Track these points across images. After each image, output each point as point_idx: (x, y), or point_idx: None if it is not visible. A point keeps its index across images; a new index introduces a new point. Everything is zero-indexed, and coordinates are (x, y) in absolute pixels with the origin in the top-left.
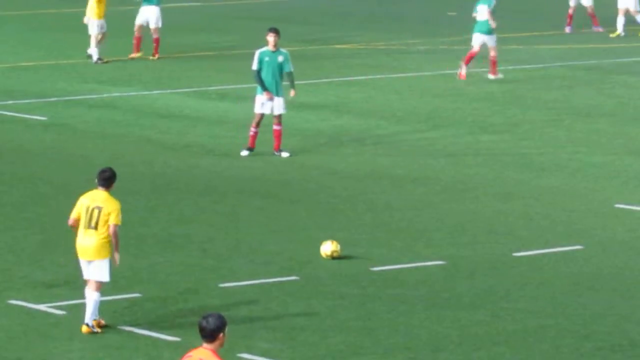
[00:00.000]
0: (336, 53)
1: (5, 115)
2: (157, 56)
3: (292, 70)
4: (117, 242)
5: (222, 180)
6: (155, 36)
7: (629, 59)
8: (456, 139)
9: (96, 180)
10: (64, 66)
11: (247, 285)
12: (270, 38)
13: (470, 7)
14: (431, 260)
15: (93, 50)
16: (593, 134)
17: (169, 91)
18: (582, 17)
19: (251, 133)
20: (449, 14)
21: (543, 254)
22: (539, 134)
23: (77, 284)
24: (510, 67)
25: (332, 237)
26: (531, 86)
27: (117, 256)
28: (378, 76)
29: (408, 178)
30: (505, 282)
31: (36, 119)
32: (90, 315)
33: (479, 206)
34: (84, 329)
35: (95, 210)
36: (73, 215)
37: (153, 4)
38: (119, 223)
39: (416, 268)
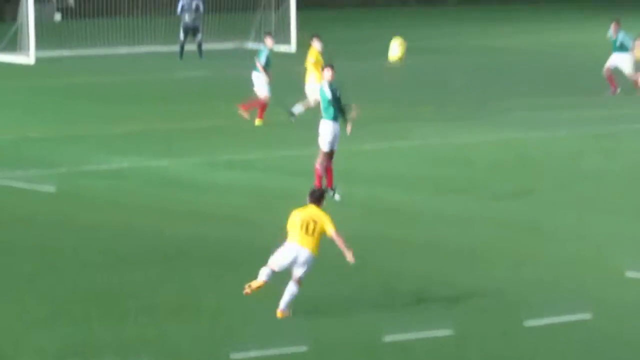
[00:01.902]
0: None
1: (15, 186)
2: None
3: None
4: (342, 242)
5: (233, 249)
6: (261, 100)
7: (638, 125)
8: (466, 206)
9: (308, 199)
10: (74, 136)
11: (258, 356)
12: (328, 73)
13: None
14: (441, 328)
15: (298, 107)
16: (603, 200)
17: (178, 160)
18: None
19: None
20: (458, 81)
21: (553, 323)
22: (549, 200)
23: (87, 354)
24: (521, 134)
25: (340, 305)
26: (541, 152)
27: (349, 254)
28: (386, 144)
29: (417, 244)
30: (516, 351)
31: (46, 189)
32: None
33: (488, 273)
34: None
35: (311, 223)
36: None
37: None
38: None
39: (426, 338)
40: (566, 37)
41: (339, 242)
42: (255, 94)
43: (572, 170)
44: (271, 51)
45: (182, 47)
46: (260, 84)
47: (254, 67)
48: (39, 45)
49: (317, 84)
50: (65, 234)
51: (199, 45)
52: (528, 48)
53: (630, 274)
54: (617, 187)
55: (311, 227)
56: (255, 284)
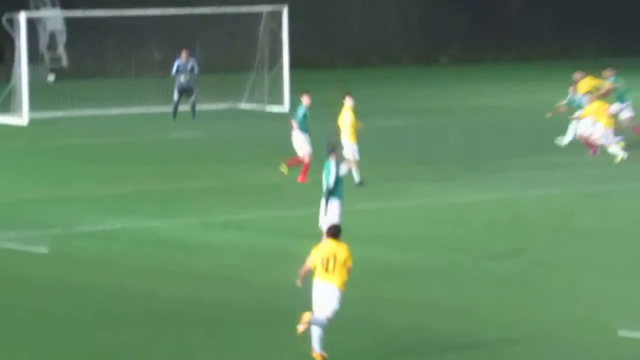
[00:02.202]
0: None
1: (8, 247)
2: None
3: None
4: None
5: (227, 310)
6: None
7: (635, 183)
8: (461, 265)
9: (326, 235)
10: (67, 197)
11: None
12: (333, 155)
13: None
14: None
15: (356, 175)
16: (596, 259)
17: (172, 220)
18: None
19: None
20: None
21: None
22: (543, 259)
23: None
24: (515, 193)
25: None
26: (535, 211)
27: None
28: (382, 204)
29: (413, 303)
30: None
31: (39, 251)
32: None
33: (481, 333)
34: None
35: (331, 259)
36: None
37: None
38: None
39: None
40: (558, 96)
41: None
42: (297, 154)
43: (565, 229)
44: (308, 109)
45: (175, 108)
46: (300, 143)
47: (301, 128)
48: (33, 106)
49: (351, 142)
50: (58, 295)
51: (193, 106)
52: (521, 107)
53: (623, 333)
54: (610, 247)
55: (332, 263)
56: (305, 317)
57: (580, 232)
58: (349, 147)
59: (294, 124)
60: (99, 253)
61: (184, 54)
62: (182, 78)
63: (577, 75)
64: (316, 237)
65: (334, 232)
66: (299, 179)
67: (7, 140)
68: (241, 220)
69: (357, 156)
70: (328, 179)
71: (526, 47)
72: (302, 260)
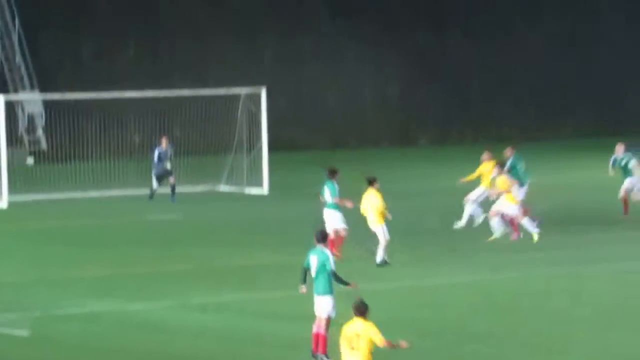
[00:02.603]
0: None
1: None
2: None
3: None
4: (391, 343)
5: None
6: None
7: (604, 264)
8: (439, 348)
9: (353, 313)
10: (47, 280)
11: None
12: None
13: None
14: None
15: (380, 255)
16: (571, 342)
17: (150, 303)
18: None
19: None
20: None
21: None
22: (517, 342)
23: None
24: (488, 275)
25: None
26: (508, 293)
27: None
28: (365, 285)
29: None
30: None
31: (19, 334)
32: None
33: None
34: None
35: (355, 338)
36: None
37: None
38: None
39: None
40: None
41: (390, 346)
42: (335, 231)
43: (539, 311)
44: (335, 184)
45: (153, 192)
46: (333, 219)
47: (328, 205)
48: (12, 189)
49: (378, 225)
50: None
51: (173, 188)
52: None
53: None
54: (584, 329)
55: (355, 342)
56: None
57: (554, 314)
58: (379, 229)
59: (322, 199)
60: (78, 336)
61: (164, 141)
62: (163, 165)
63: (485, 155)
64: (294, 319)
65: (361, 310)
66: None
67: None
68: (219, 302)
69: (387, 236)
70: (326, 267)
71: (504, 127)
72: (279, 343)
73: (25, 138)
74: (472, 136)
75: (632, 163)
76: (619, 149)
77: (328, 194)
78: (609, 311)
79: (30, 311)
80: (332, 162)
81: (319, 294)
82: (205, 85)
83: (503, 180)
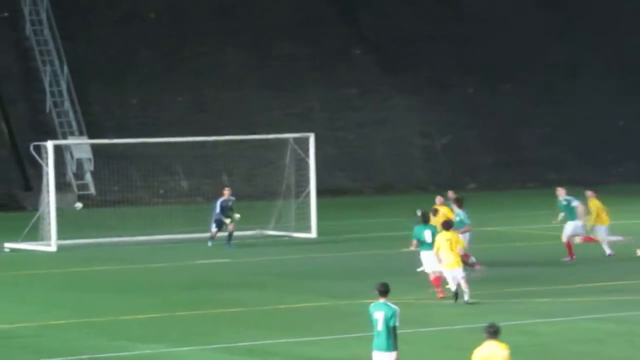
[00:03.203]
0: (365, 307)
1: None
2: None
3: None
4: None
5: None
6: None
7: None
8: None
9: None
10: (94, 324)
11: None
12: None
13: None
14: None
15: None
16: None
17: (198, 347)
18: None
19: None
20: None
21: None
22: None
23: None
24: (540, 320)
25: None
26: (560, 340)
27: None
28: (408, 330)
29: None
30: None
31: None
32: None
33: None
34: None
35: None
36: None
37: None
38: None
39: None
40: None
41: None
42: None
43: (593, 357)
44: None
45: (213, 236)
46: (430, 261)
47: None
48: (60, 233)
49: (455, 268)
50: None
51: (230, 235)
52: (546, 233)
53: None
54: None
55: None
56: None
57: None
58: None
59: (414, 244)
60: None
61: (227, 192)
62: (224, 214)
63: (438, 199)
64: None
65: (492, 331)
66: (438, 295)
67: (35, 268)
68: (266, 346)
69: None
70: (389, 324)
71: (551, 174)
72: None
73: (74, 183)
74: (520, 182)
75: (575, 204)
76: (561, 193)
77: (428, 234)
78: None
79: (77, 356)
80: (380, 207)
81: (381, 350)
82: (253, 132)
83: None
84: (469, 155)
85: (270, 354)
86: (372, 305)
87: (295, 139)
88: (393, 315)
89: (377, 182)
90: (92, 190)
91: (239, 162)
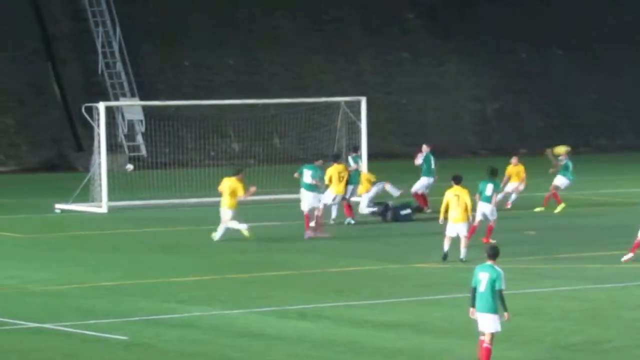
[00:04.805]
0: (415, 272)
1: (87, 334)
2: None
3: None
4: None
5: None
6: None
7: None
8: (535, 357)
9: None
10: (145, 285)
11: None
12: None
13: None
14: None
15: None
16: None
17: (248, 309)
18: None
19: None
20: (528, 233)
21: None
22: (620, 354)
23: None
24: (591, 286)
25: None
26: (612, 305)
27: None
28: (457, 295)
29: None
30: None
31: (117, 339)
32: None
33: None
34: None
35: None
36: None
37: None
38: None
39: None
40: (636, 187)
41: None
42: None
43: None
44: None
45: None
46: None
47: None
48: (111, 195)
49: (459, 224)
50: None
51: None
52: (596, 200)
53: None
54: None
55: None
56: None
57: None
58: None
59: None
60: (176, 342)
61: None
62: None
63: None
64: (392, 328)
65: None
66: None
67: (86, 229)
68: (317, 309)
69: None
70: (495, 285)
71: (602, 139)
72: (377, 351)
73: (125, 144)
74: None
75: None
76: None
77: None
78: None
79: (128, 317)
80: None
81: (484, 311)
82: (304, 95)
83: None
84: (520, 120)
85: (321, 317)
86: (478, 267)
87: (346, 103)
88: (498, 277)
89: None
90: (143, 152)
91: (291, 125)
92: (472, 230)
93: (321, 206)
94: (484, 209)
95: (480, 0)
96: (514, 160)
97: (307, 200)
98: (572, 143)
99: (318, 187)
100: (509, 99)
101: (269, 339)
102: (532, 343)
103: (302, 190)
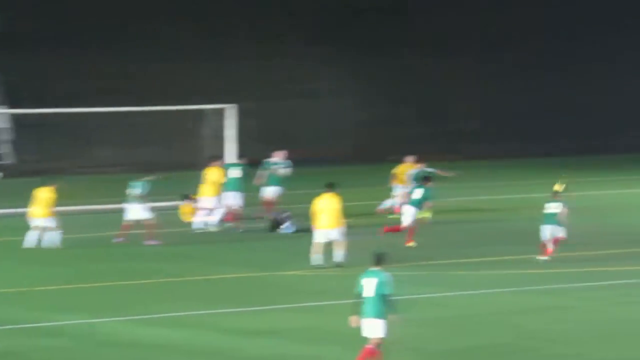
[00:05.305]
0: (285, 279)
1: None
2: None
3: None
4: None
5: None
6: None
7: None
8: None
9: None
10: (7, 295)
11: None
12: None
13: None
14: None
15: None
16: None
17: (114, 319)
18: None
19: None
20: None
21: None
22: None
23: None
24: (455, 293)
25: None
26: (472, 312)
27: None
28: (326, 302)
29: None
30: None
31: None
32: None
33: None
34: None
35: None
36: None
37: None
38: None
39: None
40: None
41: None
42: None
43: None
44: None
45: None
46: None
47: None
48: None
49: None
50: None
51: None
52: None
53: None
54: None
55: None
56: None
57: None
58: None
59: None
60: (43, 350)
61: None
62: None
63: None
64: (258, 335)
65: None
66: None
67: None
68: (184, 317)
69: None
70: (381, 291)
71: (477, 147)
72: (241, 358)
73: None
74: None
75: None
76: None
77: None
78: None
79: None
80: (307, 177)
81: (370, 316)
82: (174, 102)
83: None
84: (394, 127)
85: (187, 325)
86: (363, 273)
87: (217, 110)
88: (384, 282)
89: (300, 154)
90: (11, 159)
91: (161, 131)
92: (395, 229)
93: (147, 216)
94: (410, 212)
95: (357, 9)
96: (409, 159)
97: (134, 211)
98: (446, 150)
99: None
100: (383, 106)
101: (131, 346)
102: (394, 352)
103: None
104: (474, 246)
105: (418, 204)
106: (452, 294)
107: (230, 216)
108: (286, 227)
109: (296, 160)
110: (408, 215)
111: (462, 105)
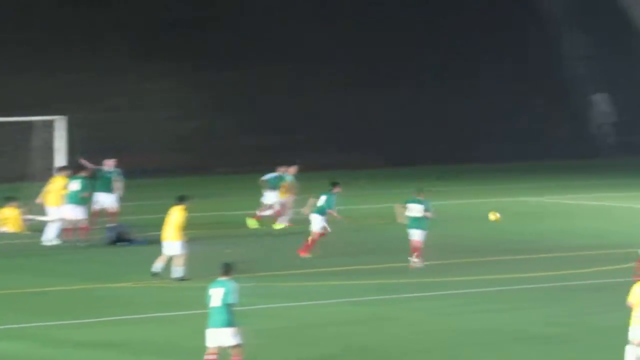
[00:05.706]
0: (120, 291)
1: None
2: None
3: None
4: None
5: None
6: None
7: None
8: None
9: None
10: None
11: None
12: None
13: None
14: None
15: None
16: None
17: None
18: None
19: None
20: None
21: None
22: None
23: None
24: (284, 304)
25: None
26: (303, 322)
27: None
28: (163, 314)
29: None
30: None
31: None
32: None
33: None
34: None
35: None
36: None
37: None
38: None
39: None
40: None
41: None
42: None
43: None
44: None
45: None
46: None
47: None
48: None
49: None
50: None
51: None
52: None
53: None
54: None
55: None
56: None
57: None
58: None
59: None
60: None
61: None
62: None
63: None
64: (93, 347)
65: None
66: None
67: None
68: (19, 329)
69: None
70: (227, 299)
71: (315, 157)
72: None
73: None
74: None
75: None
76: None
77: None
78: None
79: None
80: (143, 189)
81: (219, 326)
82: (8, 114)
83: None
84: (223, 139)
85: (22, 337)
86: (211, 283)
87: (46, 122)
88: (230, 291)
89: (131, 165)
90: None
91: None
92: (308, 246)
93: None
94: (317, 219)
95: (184, 22)
96: (291, 169)
97: None
98: (285, 160)
99: None
100: (211, 118)
101: None
102: None
103: None
104: (322, 257)
105: (323, 212)
106: (291, 304)
107: (70, 229)
108: (140, 241)
109: (126, 171)
110: (315, 223)
111: (287, 116)
